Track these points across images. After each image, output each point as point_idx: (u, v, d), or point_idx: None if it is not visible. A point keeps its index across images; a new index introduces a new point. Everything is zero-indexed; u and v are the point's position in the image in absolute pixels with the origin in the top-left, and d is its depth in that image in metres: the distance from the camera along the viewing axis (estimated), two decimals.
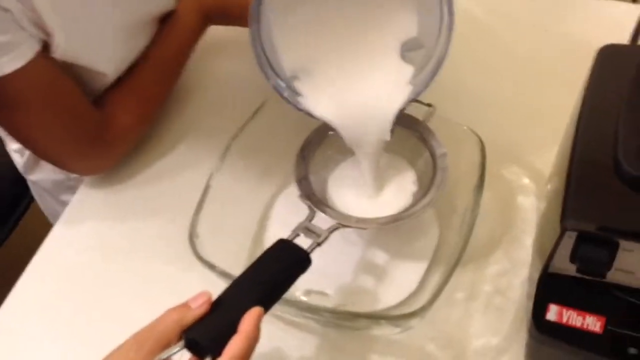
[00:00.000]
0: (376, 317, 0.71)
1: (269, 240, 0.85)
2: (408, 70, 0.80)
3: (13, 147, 1.13)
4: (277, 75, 0.80)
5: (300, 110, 0.81)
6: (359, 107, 0.81)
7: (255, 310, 0.63)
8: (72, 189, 1.12)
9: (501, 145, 0.87)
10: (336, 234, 0.75)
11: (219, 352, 0.61)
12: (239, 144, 0.87)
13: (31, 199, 1.46)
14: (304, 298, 0.79)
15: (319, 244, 0.73)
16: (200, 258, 0.76)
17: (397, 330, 0.75)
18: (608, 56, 0.73)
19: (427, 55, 0.80)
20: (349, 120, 0.80)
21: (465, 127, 0.84)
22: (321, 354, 0.79)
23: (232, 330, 0.62)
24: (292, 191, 0.83)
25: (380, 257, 0.83)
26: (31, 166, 1.14)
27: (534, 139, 0.94)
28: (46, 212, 1.26)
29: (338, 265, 0.82)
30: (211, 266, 0.76)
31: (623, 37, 0.80)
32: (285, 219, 0.87)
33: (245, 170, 0.88)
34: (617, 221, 0.61)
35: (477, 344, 0.78)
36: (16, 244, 1.46)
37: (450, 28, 0.76)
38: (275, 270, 0.69)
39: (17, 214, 1.49)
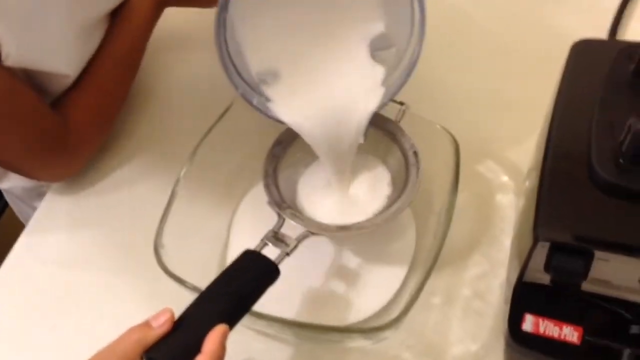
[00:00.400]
0: (347, 331, 0.68)
1: (234, 248, 0.83)
2: (379, 71, 0.77)
3: None
4: (244, 80, 0.77)
5: (270, 117, 0.78)
6: (331, 111, 0.77)
7: (219, 328, 0.61)
8: (44, 195, 1.10)
9: (477, 142, 0.84)
10: (308, 240, 0.72)
11: None
12: (205, 148, 0.83)
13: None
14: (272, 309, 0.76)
15: (287, 254, 0.71)
16: (166, 270, 0.73)
17: (370, 342, 0.72)
18: (582, 51, 0.70)
19: (398, 54, 0.77)
20: (319, 126, 0.77)
21: (438, 126, 0.80)
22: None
23: (196, 348, 0.60)
24: (257, 193, 0.80)
25: (355, 263, 0.80)
26: (0, 175, 1.11)
27: (511, 135, 0.91)
28: (21, 218, 1.23)
29: (309, 274, 0.79)
30: (177, 279, 0.73)
31: (604, 30, 0.77)
32: (250, 223, 0.85)
33: (213, 176, 0.85)
34: (591, 230, 0.59)
35: (455, 351, 0.76)
36: None
37: (422, 24, 0.73)
38: (242, 283, 0.66)
39: None
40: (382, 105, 0.77)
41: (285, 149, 0.83)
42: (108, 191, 0.95)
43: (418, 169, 0.78)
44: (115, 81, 0.95)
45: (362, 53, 0.77)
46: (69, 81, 0.90)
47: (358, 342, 0.73)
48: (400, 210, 0.76)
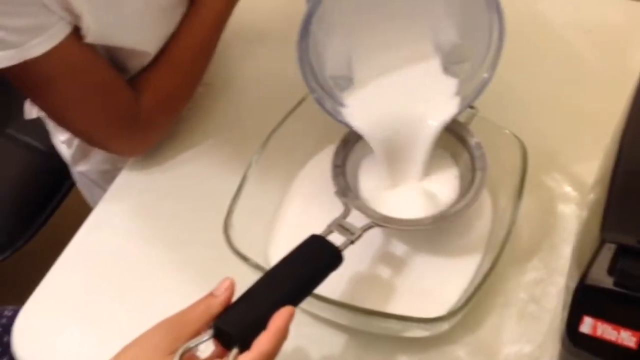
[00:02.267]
0: (405, 319, 0.70)
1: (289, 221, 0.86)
2: (451, 85, 0.80)
3: (61, 138, 1.15)
4: (319, 84, 0.79)
5: (340, 121, 0.80)
6: (399, 122, 0.80)
7: (287, 309, 0.63)
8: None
9: (544, 151, 0.85)
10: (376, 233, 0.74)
11: (246, 344, 0.61)
12: (277, 137, 0.86)
13: (68, 189, 1.51)
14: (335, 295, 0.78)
15: (352, 242, 0.73)
16: (234, 250, 0.76)
17: (427, 333, 0.74)
18: None
19: (472, 69, 0.79)
20: (387, 136, 0.80)
21: (507, 131, 0.82)
22: (348, 352, 0.79)
23: (260, 322, 0.63)
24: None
25: (421, 258, 0.81)
26: (79, 157, 1.15)
27: (578, 145, 0.92)
28: (91, 202, 1.28)
29: (374, 265, 0.81)
30: (244, 258, 0.75)
31: None
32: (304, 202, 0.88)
33: (282, 164, 0.88)
34: None
35: (509, 352, 0.77)
36: (54, 233, 1.49)
37: (498, 49, 0.75)
38: (307, 266, 0.69)
39: (54, 203, 1.52)
40: (450, 120, 0.80)
41: (353, 144, 0.85)
42: (180, 172, 0.99)
43: (484, 171, 0.80)
44: (189, 65, 0.98)
45: (435, 65, 0.79)
46: (147, 59, 0.94)
47: (414, 332, 0.75)
48: (462, 211, 0.78)
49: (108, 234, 0.93)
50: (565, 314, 0.67)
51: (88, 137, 0.97)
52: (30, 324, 0.85)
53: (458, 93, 0.80)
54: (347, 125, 0.81)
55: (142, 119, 0.93)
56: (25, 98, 1.10)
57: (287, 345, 0.63)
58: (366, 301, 0.77)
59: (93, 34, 0.83)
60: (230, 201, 0.80)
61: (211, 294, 0.64)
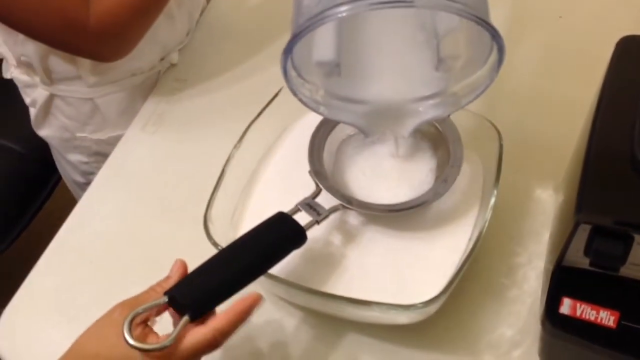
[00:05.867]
0: (386, 306, 0.70)
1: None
2: (441, 80, 0.77)
3: (27, 100, 1.17)
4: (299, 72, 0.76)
5: (320, 114, 0.79)
6: (386, 110, 0.80)
7: (253, 295, 0.65)
8: (79, 149, 1.19)
9: (519, 137, 0.86)
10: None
11: (197, 313, 0.63)
12: (255, 129, 0.87)
13: (49, 193, 1.53)
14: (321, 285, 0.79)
15: (317, 222, 0.75)
16: (214, 242, 0.76)
17: (407, 320, 0.74)
18: (627, 48, 0.72)
19: (466, 68, 0.76)
20: (372, 122, 0.80)
21: (483, 118, 0.83)
22: (323, 339, 0.80)
23: (213, 293, 0.65)
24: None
25: (399, 244, 0.81)
26: (40, 121, 1.18)
27: (553, 131, 0.93)
28: (61, 173, 1.32)
29: (362, 251, 0.81)
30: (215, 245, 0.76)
31: None
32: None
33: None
34: (632, 215, 0.61)
35: (491, 336, 0.78)
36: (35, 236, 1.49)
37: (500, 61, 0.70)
38: (269, 241, 0.71)
39: (35, 207, 1.53)
40: (439, 117, 0.80)
41: (333, 126, 0.86)
42: (158, 170, 0.99)
43: (460, 158, 0.81)
44: None
45: (428, 59, 0.77)
46: None
47: (395, 319, 0.75)
48: (436, 197, 0.79)
49: (90, 233, 0.93)
50: (544, 297, 0.68)
51: (44, 38, 0.98)
52: (13, 324, 0.85)
53: (446, 89, 0.78)
54: (334, 119, 0.81)
55: (92, 24, 0.93)
56: None
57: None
58: (341, 287, 0.78)
59: None
60: (210, 195, 0.80)
61: (167, 277, 0.67)
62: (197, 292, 0.65)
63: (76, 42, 0.97)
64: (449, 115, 0.82)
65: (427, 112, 0.79)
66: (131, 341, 0.60)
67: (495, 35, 0.64)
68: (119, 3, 0.95)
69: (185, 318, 0.62)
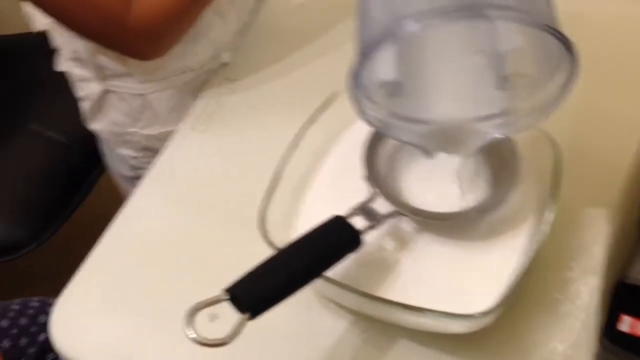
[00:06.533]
0: (444, 315, 0.70)
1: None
2: (503, 100, 0.77)
3: (79, 94, 1.18)
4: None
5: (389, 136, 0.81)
6: (447, 129, 0.79)
7: None
8: (129, 144, 1.20)
9: (577, 150, 0.86)
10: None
11: (259, 311, 0.64)
12: (310, 134, 0.87)
13: (93, 183, 1.56)
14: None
15: (373, 227, 0.76)
16: (270, 243, 0.76)
17: (461, 330, 0.74)
18: None
19: (530, 87, 0.75)
20: (432, 140, 0.80)
21: (540, 130, 0.82)
22: (371, 344, 0.80)
23: (271, 293, 0.66)
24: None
25: (457, 255, 0.81)
26: (92, 115, 1.19)
27: (609, 143, 0.92)
28: (109, 166, 1.33)
29: (419, 258, 0.81)
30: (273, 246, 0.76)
31: None
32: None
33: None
34: None
35: (543, 350, 0.77)
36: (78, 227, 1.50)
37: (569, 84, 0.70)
38: (326, 245, 0.72)
39: (78, 197, 1.55)
40: (504, 138, 0.79)
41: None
42: (208, 169, 1.00)
43: (517, 170, 0.81)
44: None
45: (490, 78, 0.75)
46: None
47: (448, 329, 0.75)
48: (492, 208, 0.79)
49: (140, 230, 0.94)
50: (602, 313, 0.68)
51: (86, 33, 1.00)
52: (66, 314, 0.86)
53: (510, 108, 0.77)
54: (394, 138, 0.81)
55: (132, 22, 0.94)
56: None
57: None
58: (394, 292, 0.77)
59: None
60: (265, 196, 0.81)
61: None
62: (258, 291, 0.65)
63: (116, 39, 0.99)
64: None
65: (491, 131, 0.78)
66: (191, 334, 0.61)
67: (569, 49, 0.63)
68: (161, 3, 0.96)
69: (245, 316, 0.63)
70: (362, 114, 0.73)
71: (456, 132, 0.79)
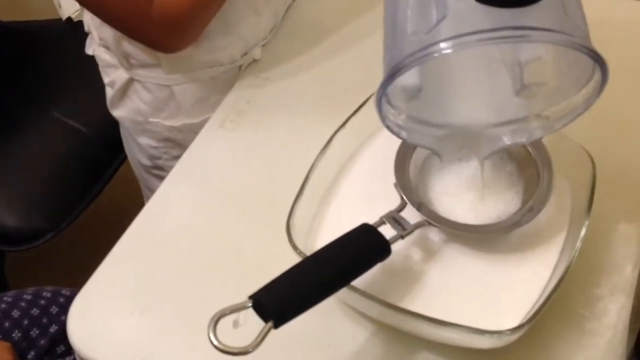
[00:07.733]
0: (467, 329, 0.69)
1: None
2: (523, 108, 0.75)
3: (106, 80, 1.18)
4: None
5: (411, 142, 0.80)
6: (466, 134, 0.78)
7: None
8: (149, 133, 1.19)
9: (613, 166, 0.84)
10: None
11: (283, 319, 0.63)
12: (341, 137, 0.86)
13: (112, 173, 1.56)
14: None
15: (402, 237, 0.75)
16: (297, 249, 0.76)
17: (487, 345, 0.73)
18: None
19: (554, 94, 0.74)
20: (452, 146, 0.79)
21: (576, 144, 0.81)
22: (406, 357, 0.79)
23: (297, 301, 0.64)
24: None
25: (484, 266, 0.80)
26: (116, 101, 1.19)
27: None
28: (127, 153, 1.33)
29: (433, 268, 0.80)
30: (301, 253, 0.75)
31: None
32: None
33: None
34: None
35: None
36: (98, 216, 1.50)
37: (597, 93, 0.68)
38: (354, 253, 0.71)
39: (99, 186, 1.54)
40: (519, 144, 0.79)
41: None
42: (236, 169, 0.99)
43: (551, 184, 0.79)
44: None
45: (510, 85, 0.74)
46: None
47: (474, 344, 0.74)
48: (523, 222, 0.78)
49: (164, 226, 0.93)
50: (630, 333, 0.66)
51: (114, 24, 1.01)
52: (85, 310, 0.85)
53: (529, 115, 0.76)
54: (418, 145, 0.81)
55: (155, 14, 0.94)
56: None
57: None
58: (419, 303, 0.76)
59: None
60: (292, 202, 0.80)
61: None
62: (283, 299, 0.64)
63: (140, 31, 0.99)
64: (541, 138, 0.80)
65: (508, 137, 0.77)
66: (215, 342, 0.60)
67: (603, 68, 0.62)
68: None
69: (270, 324, 0.62)
70: (384, 120, 0.72)
71: (472, 136, 0.78)
